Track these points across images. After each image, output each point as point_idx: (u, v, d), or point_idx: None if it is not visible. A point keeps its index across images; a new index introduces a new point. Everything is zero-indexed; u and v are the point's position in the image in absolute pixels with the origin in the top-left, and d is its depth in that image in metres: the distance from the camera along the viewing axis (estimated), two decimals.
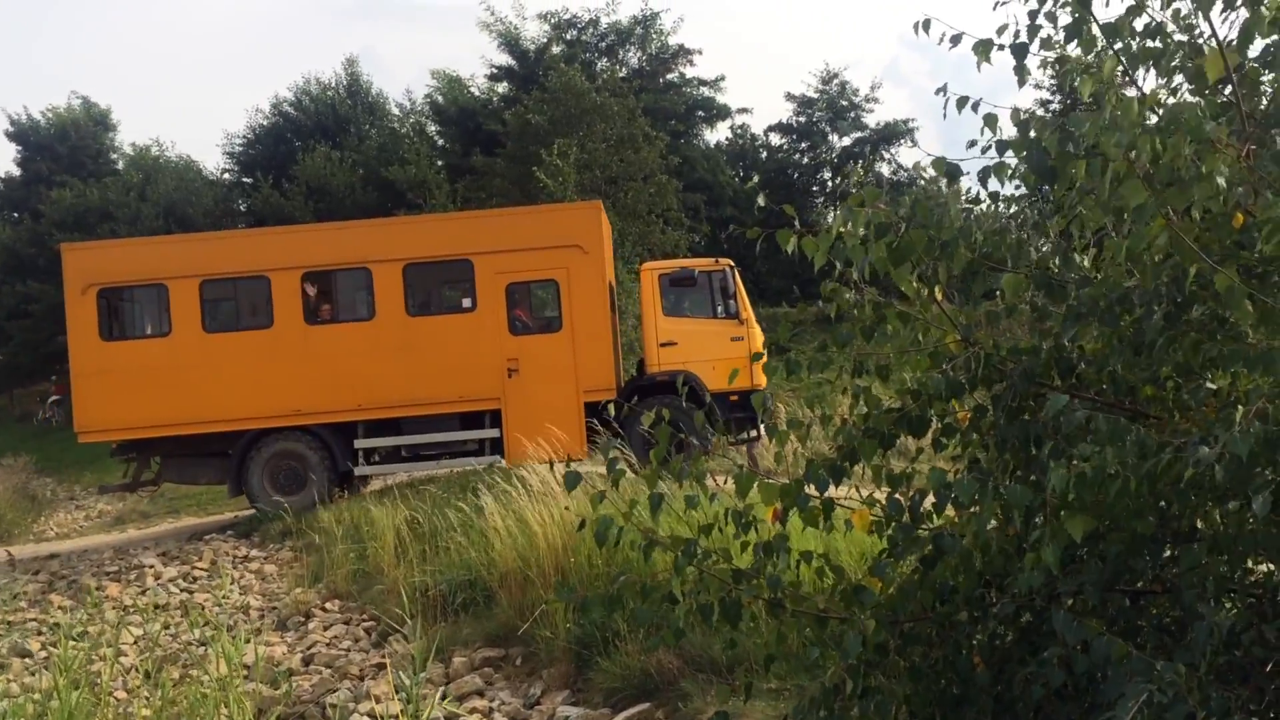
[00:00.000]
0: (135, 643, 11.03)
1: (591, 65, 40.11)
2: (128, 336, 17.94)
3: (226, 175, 45.53)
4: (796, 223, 4.14)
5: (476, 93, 42.23)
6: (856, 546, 7.09)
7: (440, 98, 42.56)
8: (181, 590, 14.00)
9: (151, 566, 15.29)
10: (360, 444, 17.04)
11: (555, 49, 40.28)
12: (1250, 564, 3.68)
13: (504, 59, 41.47)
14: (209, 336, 17.22)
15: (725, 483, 4.22)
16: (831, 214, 33.30)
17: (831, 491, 4.01)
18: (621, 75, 40.12)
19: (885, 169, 42.84)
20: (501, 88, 41.52)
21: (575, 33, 41.89)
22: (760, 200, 4.48)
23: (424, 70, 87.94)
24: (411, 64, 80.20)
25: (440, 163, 39.25)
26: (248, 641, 9.31)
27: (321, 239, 18.69)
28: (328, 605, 12.25)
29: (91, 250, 19.36)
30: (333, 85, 44.49)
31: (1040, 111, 4.62)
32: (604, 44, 42.72)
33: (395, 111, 44.72)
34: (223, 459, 17.34)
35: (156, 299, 17.52)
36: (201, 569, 15.09)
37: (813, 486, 3.97)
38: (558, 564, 9.28)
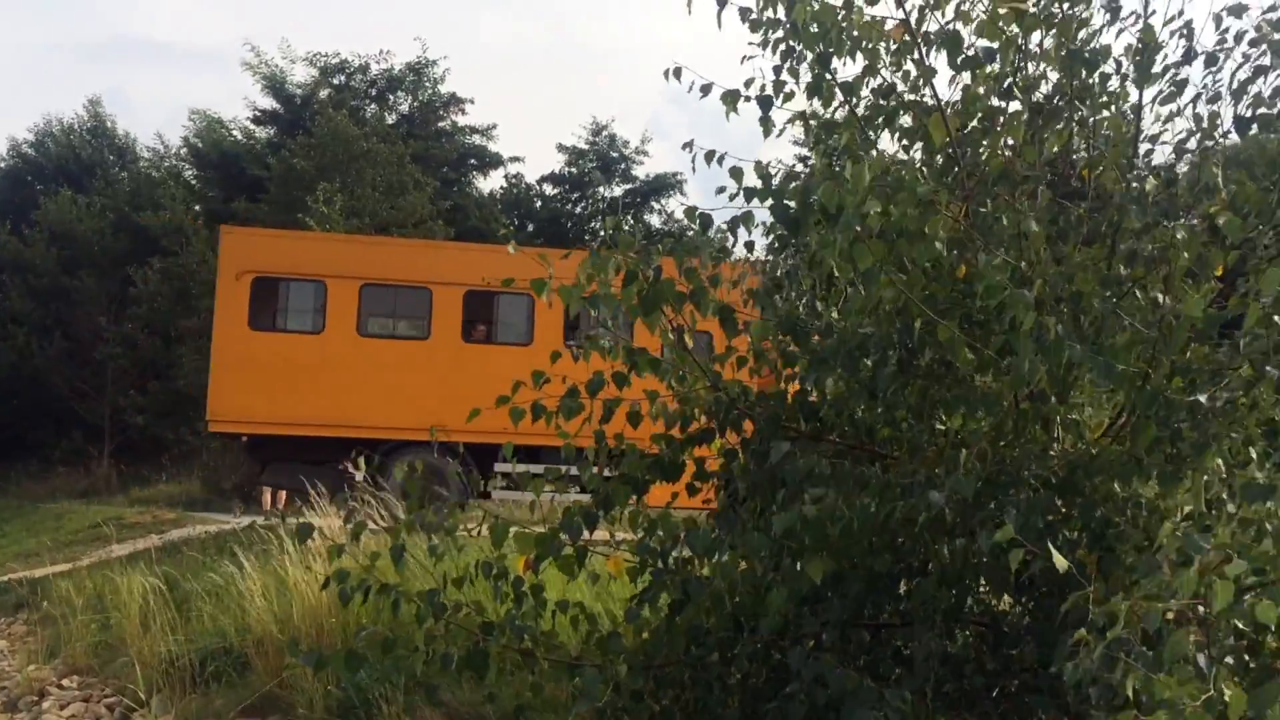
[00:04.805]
0: None
1: (360, 111, 39.40)
2: (277, 329, 16.89)
3: None
4: (551, 270, 4.14)
5: (238, 136, 40.72)
6: (619, 594, 7.10)
7: (199, 141, 40.79)
8: None
9: None
10: (501, 467, 16.07)
11: (323, 93, 39.37)
12: (976, 596, 3.89)
13: (269, 102, 40.21)
14: (362, 340, 16.51)
15: (481, 532, 4.14)
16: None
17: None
18: (391, 122, 39.57)
19: (655, 219, 43.84)
20: (265, 132, 40.20)
21: (344, 78, 41.10)
22: (511, 249, 4.47)
23: (178, 112, 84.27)
24: (164, 106, 76.69)
25: (198, 208, 37.55)
26: None
27: (487, 261, 17.46)
28: (64, 682, 11.31)
29: (253, 236, 18.64)
30: (75, 127, 41.93)
31: (799, 165, 4.83)
32: (374, 90, 42.08)
33: (146, 155, 42.50)
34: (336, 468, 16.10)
35: (313, 295, 16.75)
36: None
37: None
38: (319, 625, 8.89)
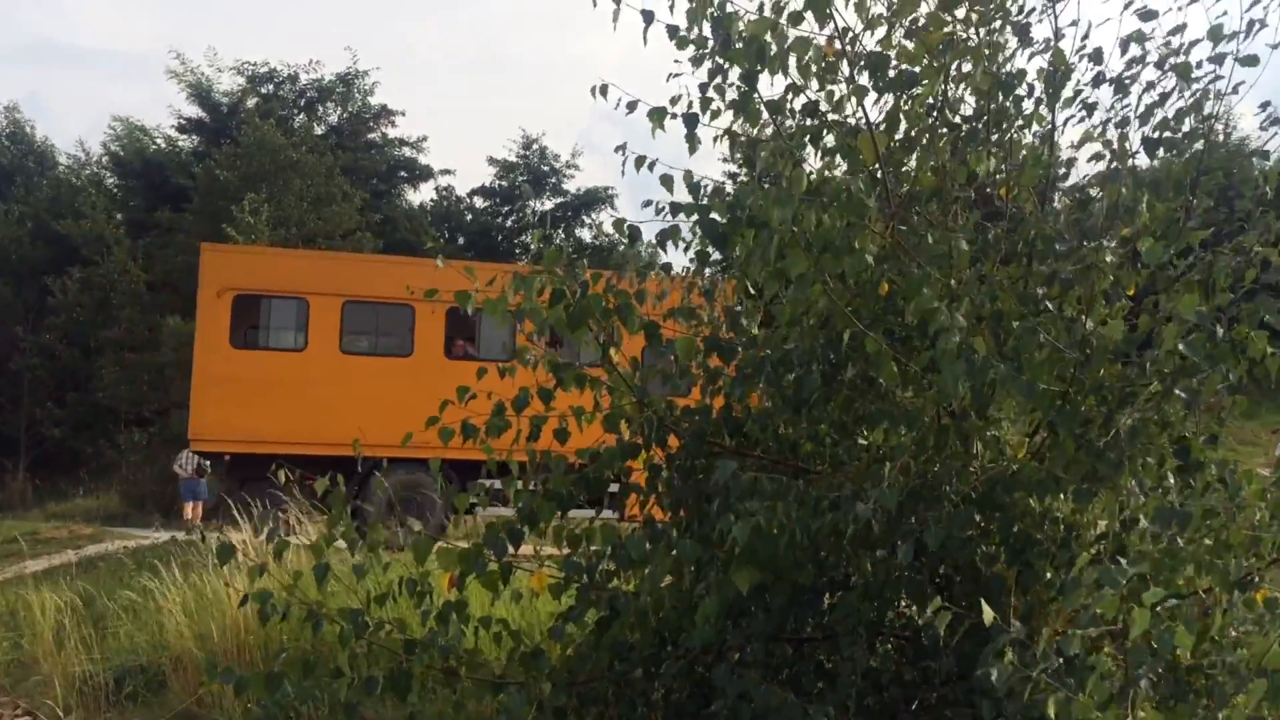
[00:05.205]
0: None
1: (288, 121, 38.90)
2: (259, 346, 16.69)
3: None
4: (477, 285, 4.13)
5: (161, 144, 39.94)
6: (543, 610, 7.06)
7: (120, 149, 39.94)
8: None
9: None
10: (486, 483, 15.54)
11: (250, 102, 38.81)
12: (897, 609, 3.94)
13: (194, 111, 39.51)
14: (345, 357, 16.29)
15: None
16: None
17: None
18: (320, 132, 39.12)
19: (586, 234, 43.86)
20: (189, 141, 39.50)
21: (272, 87, 40.56)
22: (439, 263, 4.44)
23: (99, 119, 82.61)
24: (85, 113, 75.07)
25: (119, 216, 36.77)
26: None
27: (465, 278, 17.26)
28: None
29: (233, 254, 18.47)
30: None
31: (728, 182, 4.88)
32: (303, 100, 41.58)
33: (66, 162, 41.51)
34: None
35: (295, 312, 16.48)
36: None
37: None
38: (240, 641, 8.72)
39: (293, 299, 16.86)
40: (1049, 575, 3.67)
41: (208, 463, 19.84)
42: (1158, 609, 3.01)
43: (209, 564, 9.69)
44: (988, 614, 3.04)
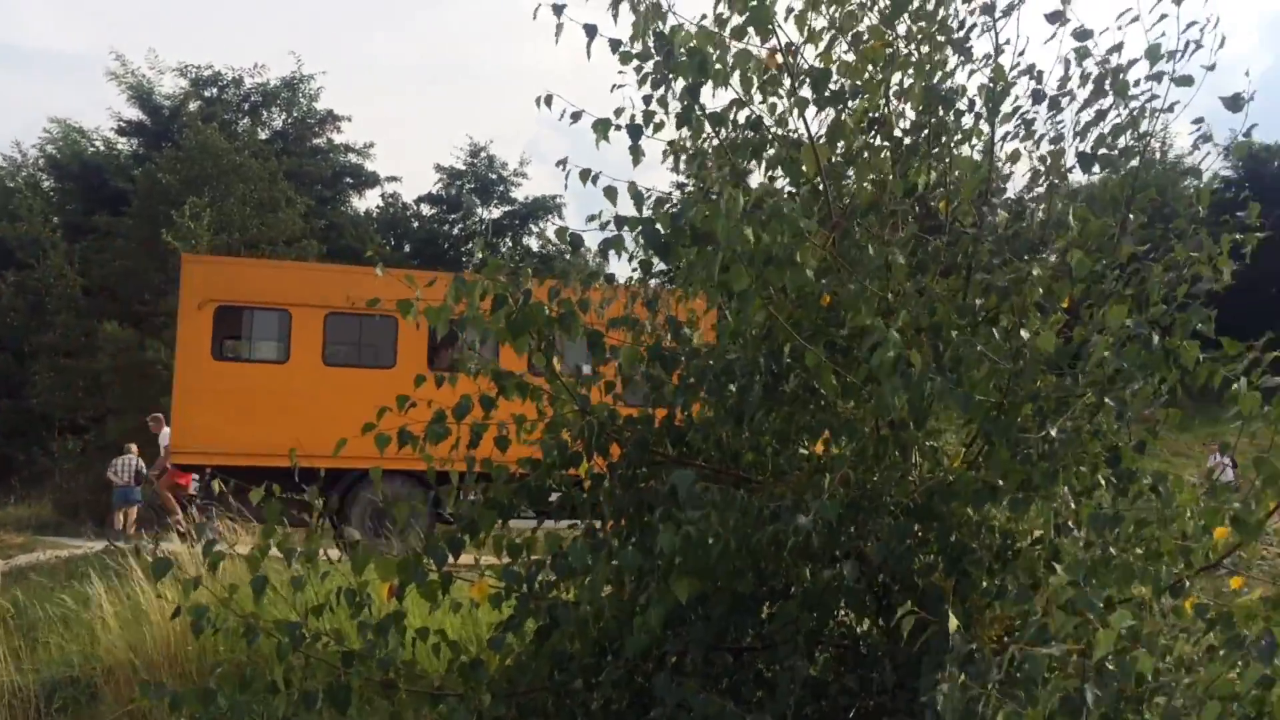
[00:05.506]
0: None
1: (232, 125, 38.44)
2: (241, 358, 16.45)
3: None
4: (418, 292, 4.10)
5: (100, 147, 39.27)
6: (485, 621, 7.02)
7: (56, 151, 39.22)
8: None
9: None
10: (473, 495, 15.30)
11: (192, 105, 38.30)
12: (837, 618, 3.96)
13: (135, 113, 38.91)
14: (328, 370, 16.11)
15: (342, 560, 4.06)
16: None
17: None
18: (264, 137, 38.72)
19: (534, 242, 43.79)
20: (129, 144, 38.88)
21: (216, 90, 40.07)
22: (378, 271, 4.40)
23: (37, 121, 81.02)
24: (22, 114, 73.62)
25: (56, 219, 36.10)
26: None
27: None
28: None
29: (214, 265, 18.41)
30: None
31: (676, 192, 4.90)
32: (247, 104, 41.12)
33: (1, 163, 40.69)
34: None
35: (277, 324, 16.28)
36: None
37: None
38: (175, 652, 8.57)
39: (275, 310, 16.71)
40: (984, 584, 3.72)
41: (145, 469, 19.56)
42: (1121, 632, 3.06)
43: (142, 574, 9.53)
44: (953, 623, 3.06)
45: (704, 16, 4.15)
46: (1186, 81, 4.09)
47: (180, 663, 8.35)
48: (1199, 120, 4.30)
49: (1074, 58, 4.31)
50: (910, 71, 4.44)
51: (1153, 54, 4.10)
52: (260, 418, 15.96)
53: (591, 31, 4.05)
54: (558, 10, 4.03)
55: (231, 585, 3.73)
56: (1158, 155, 4.95)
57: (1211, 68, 3.97)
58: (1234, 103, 4.00)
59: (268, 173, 32.17)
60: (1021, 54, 4.39)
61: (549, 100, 4.39)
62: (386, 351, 17.02)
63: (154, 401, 24.24)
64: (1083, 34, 4.23)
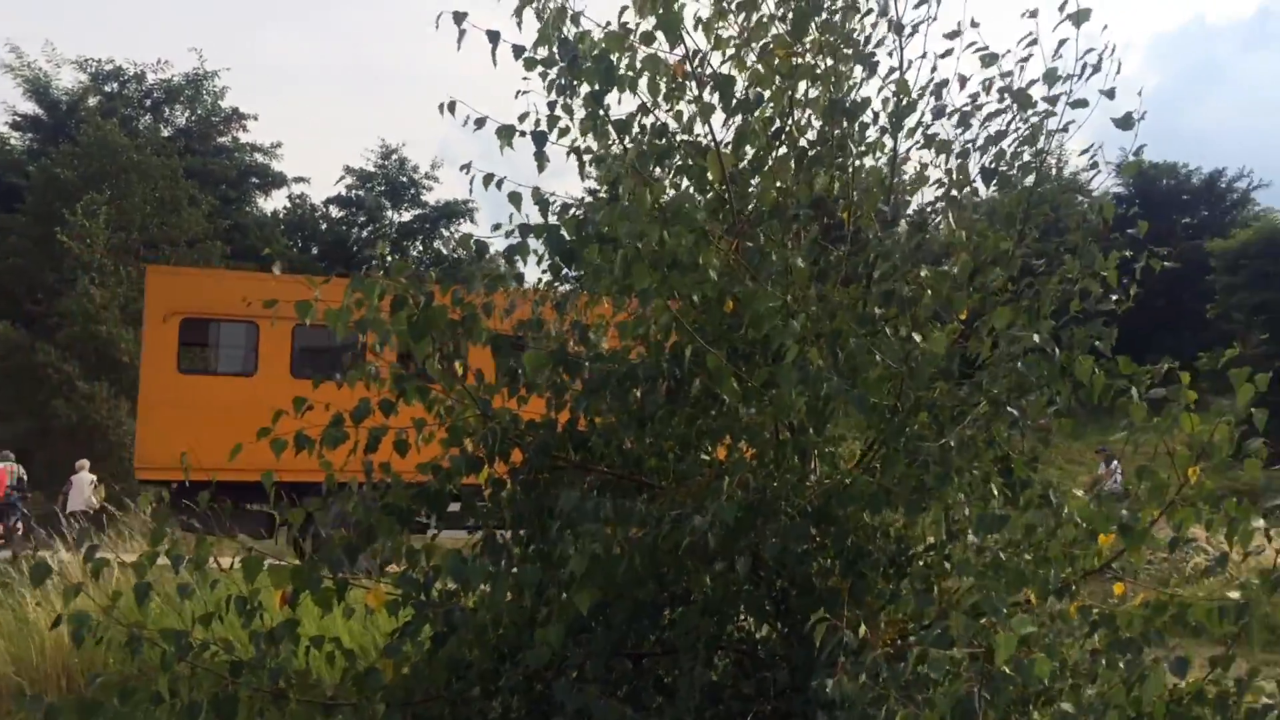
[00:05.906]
0: None
1: (133, 121, 37.42)
2: (208, 371, 15.93)
3: None
4: (317, 293, 4.04)
5: None
6: (382, 629, 6.91)
7: None
8: None
9: None
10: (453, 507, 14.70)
11: (92, 100, 37.20)
12: (736, 623, 3.98)
13: (30, 107, 37.64)
14: (296, 382, 15.06)
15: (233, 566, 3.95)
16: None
17: None
18: (167, 135, 37.77)
19: (444, 247, 43.37)
20: (23, 138, 37.59)
21: (116, 85, 38.96)
22: (275, 270, 4.31)
23: None
24: None
25: None
26: None
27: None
28: None
29: (179, 276, 17.66)
30: None
31: (588, 197, 4.89)
32: (149, 101, 40.05)
33: None
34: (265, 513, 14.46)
35: (244, 336, 15.69)
36: None
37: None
38: (62, 664, 8.28)
39: (242, 323, 16.22)
40: (880, 587, 3.77)
41: (25, 478, 19.00)
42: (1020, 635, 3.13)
43: (28, 584, 9.19)
44: (847, 619, 3.10)
45: (608, 23, 4.15)
46: (1082, 104, 4.22)
47: (69, 675, 8.08)
48: (1086, 150, 4.45)
49: (979, 69, 4.41)
50: (816, 82, 4.49)
51: (1050, 77, 4.23)
52: (228, 433, 15.60)
53: (494, 37, 4.02)
54: (458, 19, 4.00)
55: (115, 593, 3.60)
56: (1054, 172, 5.09)
57: (1110, 94, 4.09)
58: (1125, 122, 4.13)
59: (170, 171, 31.40)
60: (934, 70, 4.48)
61: (452, 107, 4.35)
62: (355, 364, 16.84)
63: (45, 406, 23.48)
64: (988, 58, 4.35)
